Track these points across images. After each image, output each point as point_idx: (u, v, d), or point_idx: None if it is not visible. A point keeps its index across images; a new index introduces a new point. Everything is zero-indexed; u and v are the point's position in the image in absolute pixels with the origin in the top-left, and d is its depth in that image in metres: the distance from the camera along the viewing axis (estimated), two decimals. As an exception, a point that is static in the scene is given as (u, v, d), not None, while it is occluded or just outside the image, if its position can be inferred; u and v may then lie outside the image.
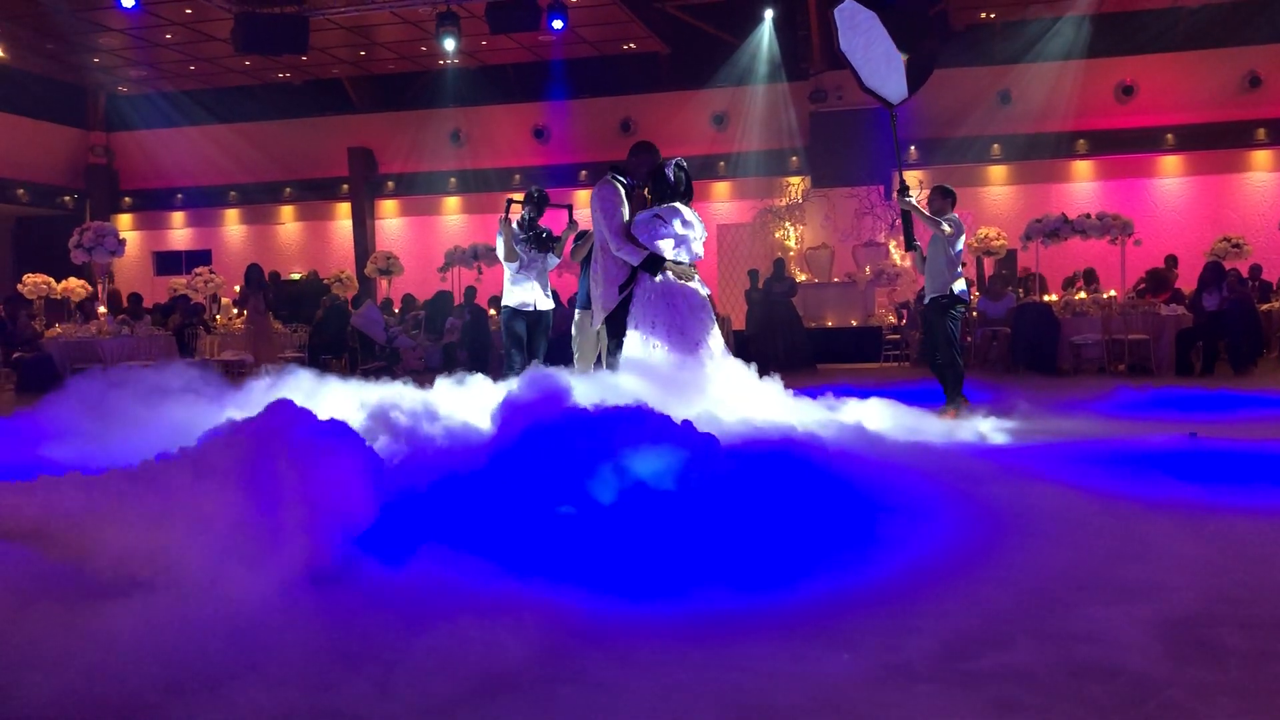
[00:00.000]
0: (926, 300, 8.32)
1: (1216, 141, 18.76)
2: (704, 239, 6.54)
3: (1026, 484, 4.86)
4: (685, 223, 6.34)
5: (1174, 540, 3.75)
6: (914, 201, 8.19)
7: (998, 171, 19.58)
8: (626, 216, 6.46)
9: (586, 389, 5.08)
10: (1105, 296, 13.90)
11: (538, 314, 8.49)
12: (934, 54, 8.03)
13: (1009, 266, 17.63)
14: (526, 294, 8.47)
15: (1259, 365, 12.44)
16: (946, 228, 7.99)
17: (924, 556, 3.61)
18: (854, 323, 17.21)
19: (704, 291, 6.56)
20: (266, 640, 2.67)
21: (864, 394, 7.47)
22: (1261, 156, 19.04)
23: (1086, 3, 18.41)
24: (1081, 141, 19.26)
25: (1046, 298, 14.60)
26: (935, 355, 8.26)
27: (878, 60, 7.80)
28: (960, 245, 8.20)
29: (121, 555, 3.08)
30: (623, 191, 6.55)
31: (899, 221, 18.65)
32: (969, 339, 13.96)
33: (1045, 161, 19.25)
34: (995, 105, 18.93)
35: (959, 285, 8.14)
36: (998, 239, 16.42)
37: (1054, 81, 18.79)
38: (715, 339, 6.49)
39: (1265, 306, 14.43)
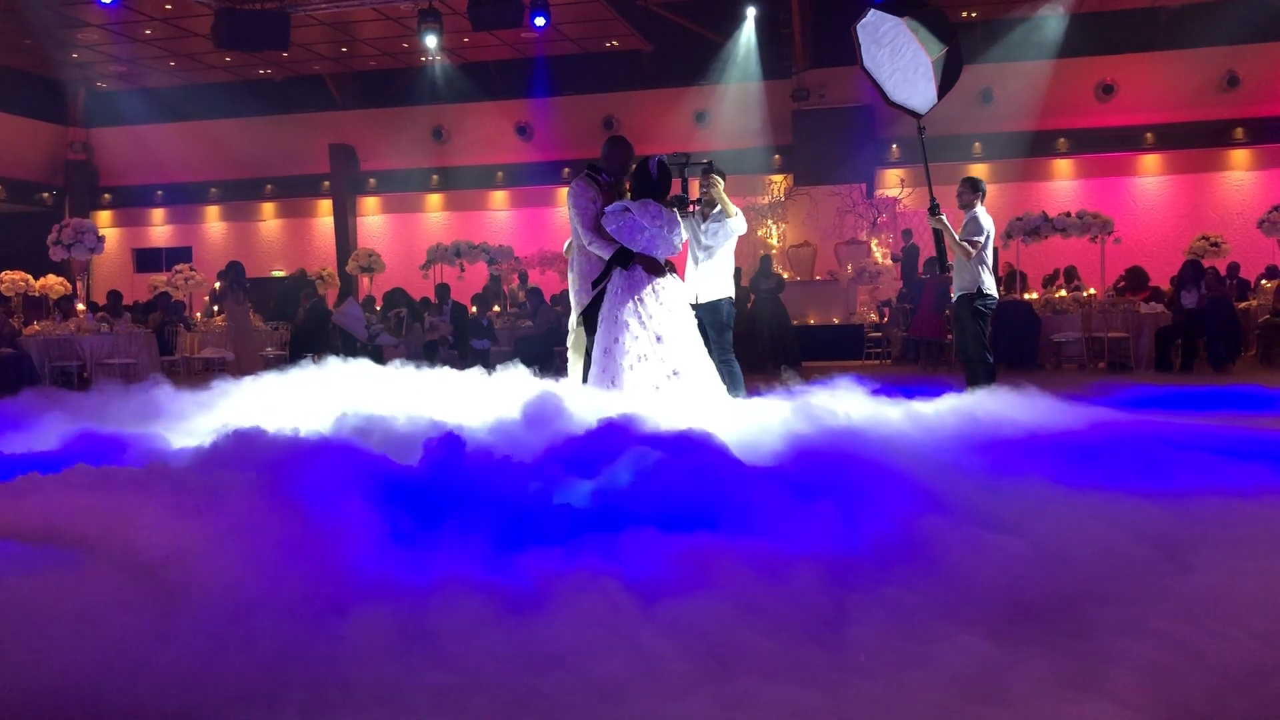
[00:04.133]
0: (955, 297, 8.26)
1: (1195, 141, 18.92)
2: (680, 235, 6.50)
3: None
4: (654, 216, 6.32)
5: None
6: (945, 220, 7.99)
7: (979, 170, 19.61)
8: (599, 211, 6.51)
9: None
10: (1085, 294, 13.99)
11: (699, 306, 7.26)
12: (960, 52, 7.77)
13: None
14: (690, 283, 7.41)
15: (1237, 363, 12.55)
16: (971, 250, 7.96)
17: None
18: (836, 320, 17.26)
19: (680, 286, 6.57)
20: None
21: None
22: (1239, 155, 19.20)
23: (1067, 2, 18.52)
24: (1062, 140, 19.39)
25: (1027, 295, 14.68)
26: (966, 351, 8.19)
27: (904, 71, 7.57)
28: (989, 249, 8.10)
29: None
30: (597, 188, 6.60)
31: (882, 218, 18.90)
32: (950, 336, 14.01)
33: (1026, 160, 19.38)
34: (977, 104, 19.02)
35: (987, 284, 8.02)
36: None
37: (1035, 80, 18.89)
38: (690, 335, 6.48)
39: (1243, 305, 14.55)
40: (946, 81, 7.69)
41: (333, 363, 7.49)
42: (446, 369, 7.84)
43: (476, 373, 7.27)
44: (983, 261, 8.04)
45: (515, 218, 22.33)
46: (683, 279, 6.94)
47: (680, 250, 6.63)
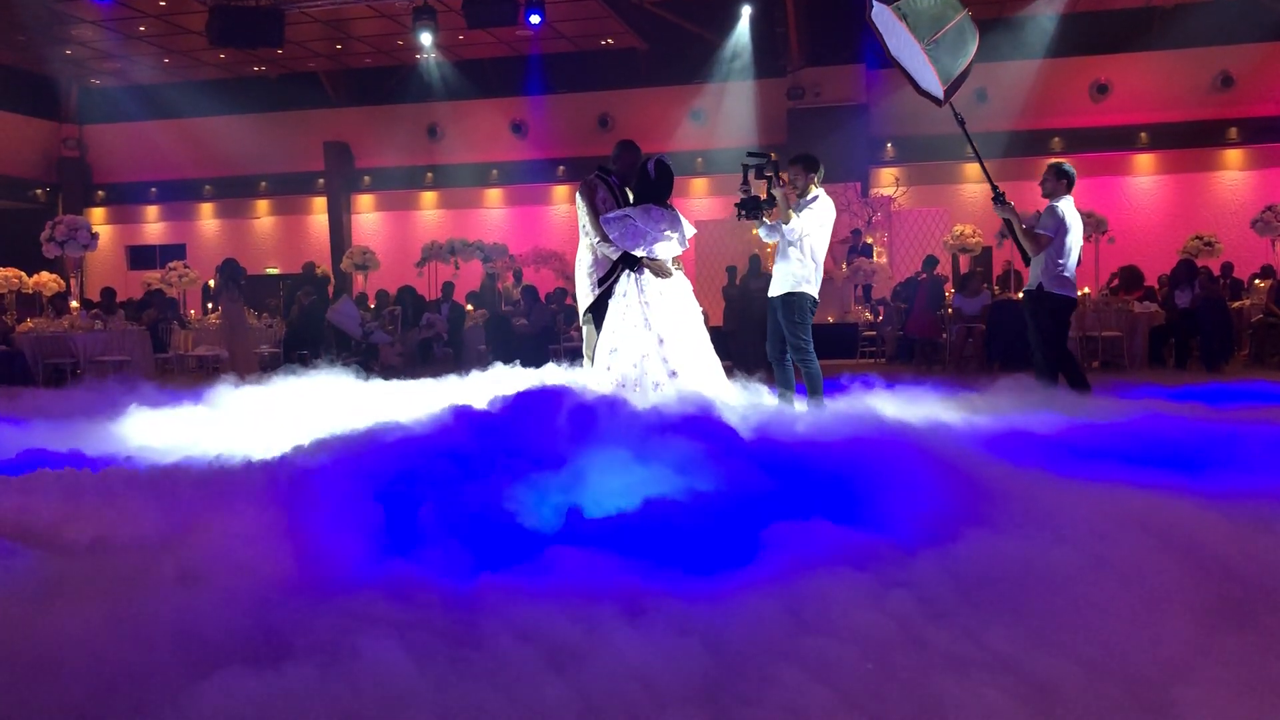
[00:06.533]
0: (1024, 292, 7.90)
1: (1189, 140, 18.95)
2: (682, 234, 6.55)
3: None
4: (656, 220, 6.38)
5: None
6: (1014, 208, 7.57)
7: (973, 169, 19.66)
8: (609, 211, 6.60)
9: None
10: (1079, 294, 13.99)
11: (773, 299, 7.12)
12: (964, 28, 7.51)
13: (984, 264, 17.76)
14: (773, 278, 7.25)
15: (1230, 363, 12.57)
16: (1035, 247, 7.47)
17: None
18: (830, 319, 17.25)
19: (686, 286, 6.63)
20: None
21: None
22: (1233, 155, 19.24)
23: (1061, 2, 18.53)
24: (1056, 140, 19.41)
25: (1021, 295, 14.66)
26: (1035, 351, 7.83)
27: (915, 58, 7.35)
28: (1067, 241, 7.47)
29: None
30: (607, 188, 6.68)
31: (877, 216, 18.90)
32: (945, 335, 14.03)
33: (1020, 159, 19.35)
34: (971, 103, 19.01)
35: (1055, 284, 7.48)
36: (973, 236, 16.53)
37: (1029, 80, 18.91)
38: (694, 335, 6.53)
39: (1236, 304, 14.57)
40: (949, 64, 7.49)
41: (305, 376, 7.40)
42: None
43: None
44: (1057, 256, 7.44)
45: (510, 215, 22.32)
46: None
47: (688, 247, 6.70)
